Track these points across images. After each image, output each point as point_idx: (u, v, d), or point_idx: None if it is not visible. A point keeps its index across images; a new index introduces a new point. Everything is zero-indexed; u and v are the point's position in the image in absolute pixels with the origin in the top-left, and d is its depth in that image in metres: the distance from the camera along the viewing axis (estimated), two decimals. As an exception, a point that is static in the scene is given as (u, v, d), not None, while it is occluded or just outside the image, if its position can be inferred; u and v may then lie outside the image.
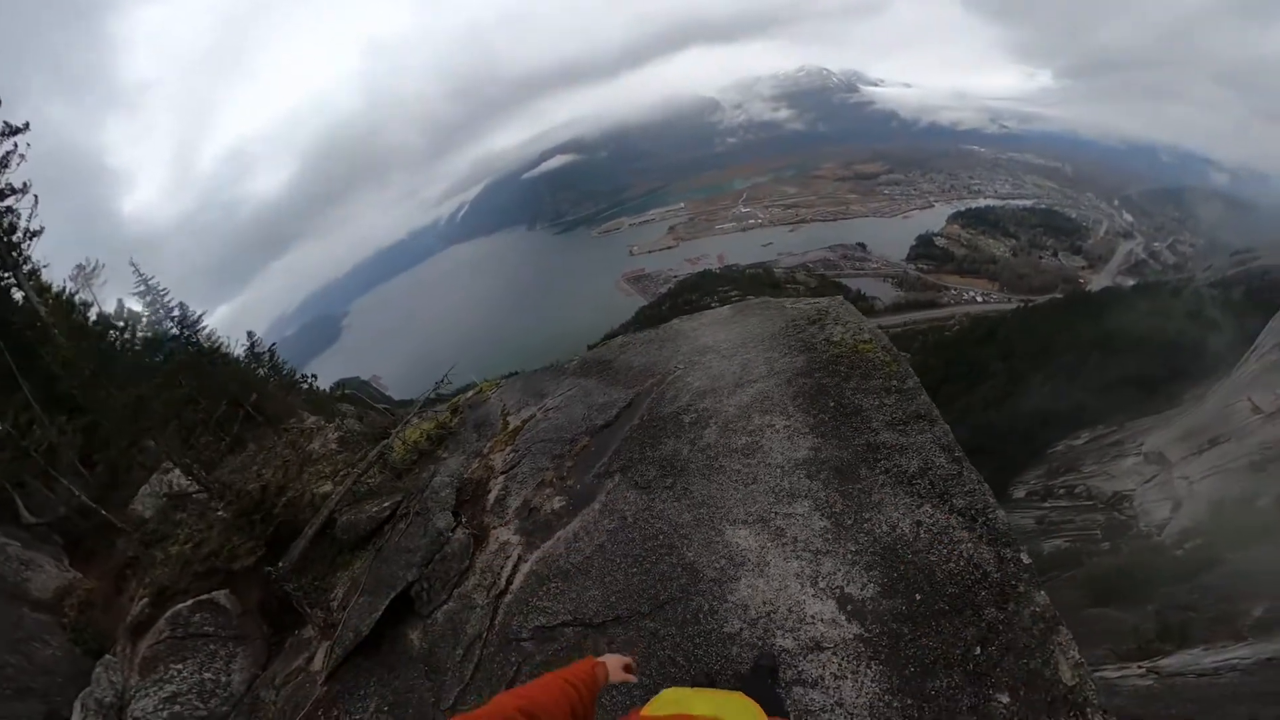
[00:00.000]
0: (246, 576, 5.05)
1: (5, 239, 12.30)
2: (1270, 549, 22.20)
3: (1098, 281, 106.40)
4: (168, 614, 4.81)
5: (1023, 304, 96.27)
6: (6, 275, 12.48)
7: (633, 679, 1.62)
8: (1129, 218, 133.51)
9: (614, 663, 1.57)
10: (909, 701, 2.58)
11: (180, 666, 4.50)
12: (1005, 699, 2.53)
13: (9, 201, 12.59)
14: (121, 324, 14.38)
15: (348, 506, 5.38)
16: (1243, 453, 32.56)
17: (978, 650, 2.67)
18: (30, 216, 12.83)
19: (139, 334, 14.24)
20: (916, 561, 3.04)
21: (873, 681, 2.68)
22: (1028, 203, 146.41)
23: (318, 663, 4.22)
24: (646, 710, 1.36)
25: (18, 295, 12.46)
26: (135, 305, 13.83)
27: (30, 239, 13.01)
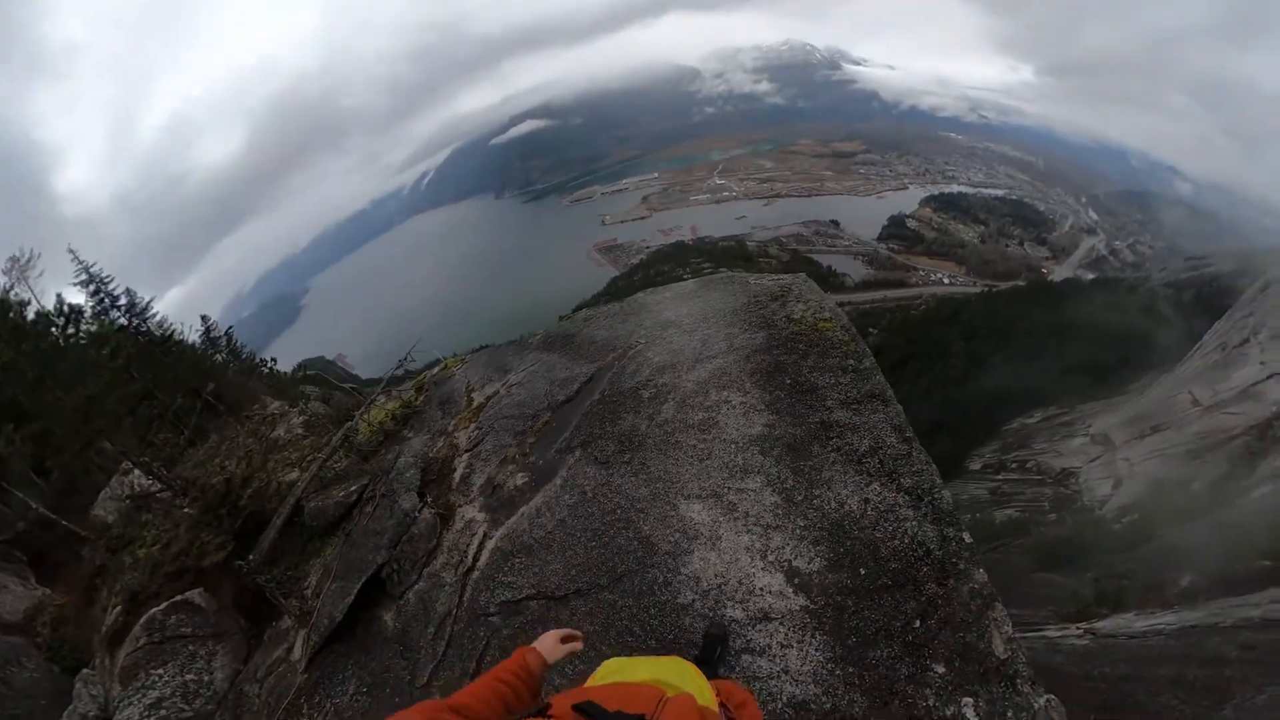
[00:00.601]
0: (218, 573, 4.98)
1: None
2: (1199, 528, 23.76)
3: (1059, 272, 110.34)
4: (143, 620, 4.71)
5: (987, 288, 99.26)
6: None
7: (576, 648, 1.56)
8: (1094, 215, 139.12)
9: (549, 640, 1.53)
10: (850, 670, 2.71)
11: (161, 671, 4.44)
12: (941, 669, 2.66)
13: None
14: (63, 320, 13.42)
15: (315, 493, 5.32)
16: (1181, 440, 34.89)
17: (917, 623, 2.80)
18: None
19: (84, 328, 13.34)
20: (862, 538, 3.16)
21: (817, 650, 2.80)
22: (999, 192, 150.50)
23: (297, 652, 4.23)
24: (590, 682, 1.37)
25: None
26: (77, 297, 12.58)
27: None
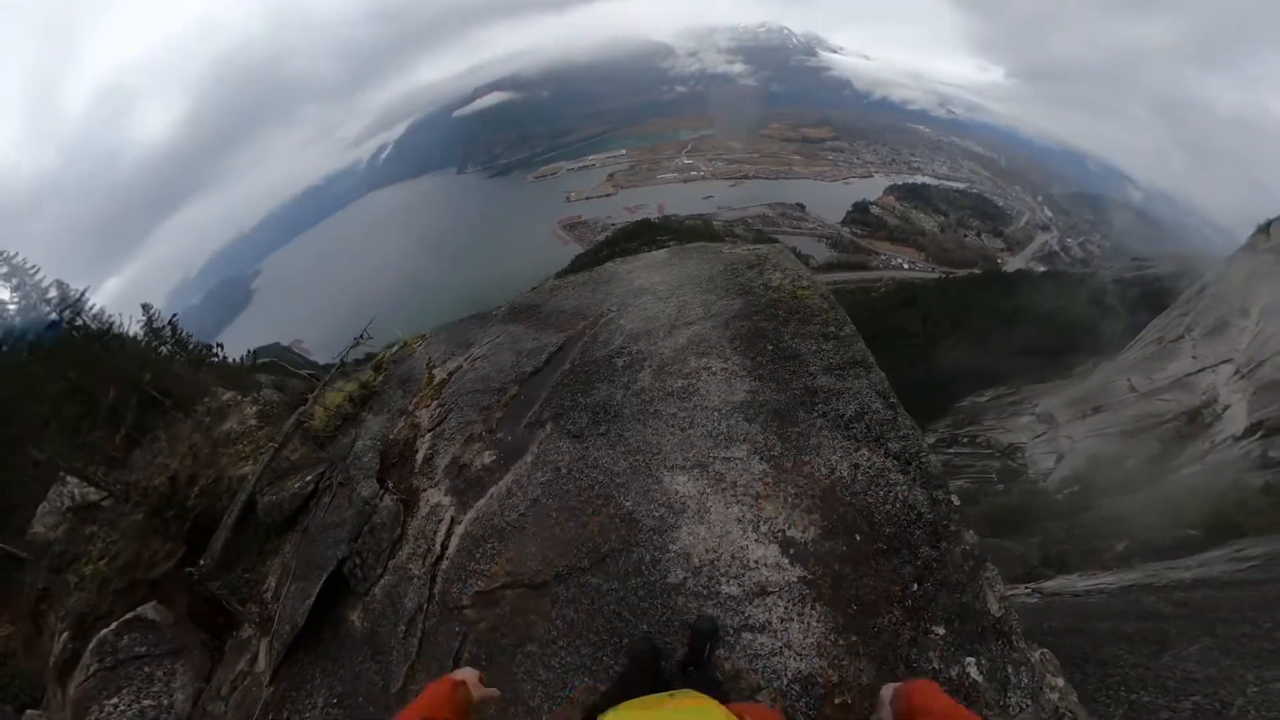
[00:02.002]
0: (172, 582, 4.58)
1: None
2: (1133, 501, 25.61)
3: (1013, 264, 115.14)
4: (92, 644, 4.28)
5: (944, 275, 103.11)
6: None
7: (494, 693, 1.51)
8: (1049, 213, 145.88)
9: (471, 678, 1.45)
10: (854, 638, 2.65)
11: (116, 700, 4.01)
12: (941, 631, 2.65)
13: None
14: None
15: (268, 486, 4.97)
16: (1118, 422, 37.46)
17: (915, 587, 2.77)
18: None
19: (8, 324, 12.06)
20: (855, 503, 3.09)
21: (818, 622, 2.72)
22: (961, 185, 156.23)
23: (261, 663, 3.93)
24: None
25: None
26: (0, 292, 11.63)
27: None
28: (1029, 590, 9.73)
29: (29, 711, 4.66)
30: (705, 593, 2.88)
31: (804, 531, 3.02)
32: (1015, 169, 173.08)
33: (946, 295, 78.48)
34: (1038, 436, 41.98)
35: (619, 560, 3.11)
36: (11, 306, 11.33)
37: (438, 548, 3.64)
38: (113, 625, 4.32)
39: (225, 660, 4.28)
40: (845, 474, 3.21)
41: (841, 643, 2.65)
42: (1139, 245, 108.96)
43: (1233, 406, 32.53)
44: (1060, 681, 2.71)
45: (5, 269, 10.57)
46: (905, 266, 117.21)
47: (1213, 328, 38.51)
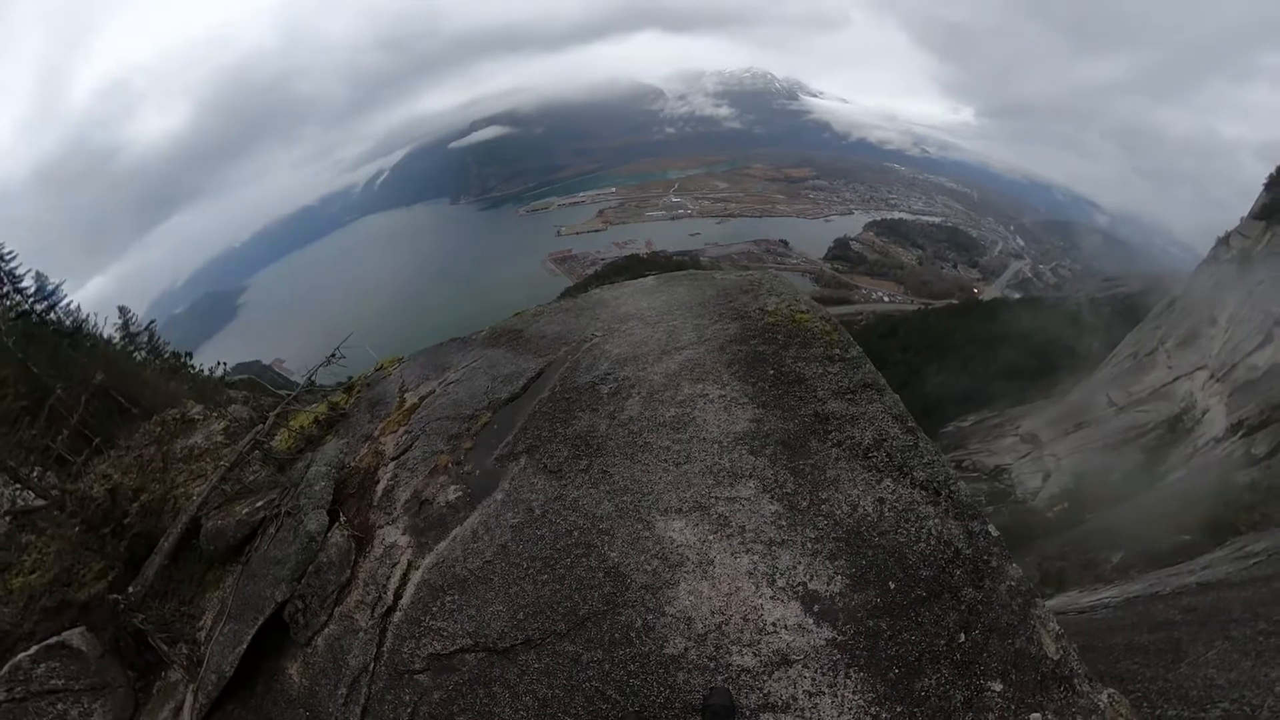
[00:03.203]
0: (102, 607, 4.13)
1: None
2: (1123, 512, 25.90)
3: (989, 292, 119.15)
4: (4, 669, 3.81)
5: (923, 306, 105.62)
6: None
7: None
8: (1021, 242, 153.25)
9: None
10: (899, 709, 2.22)
11: None
12: (998, 686, 2.30)
13: None
14: None
15: (215, 509, 4.50)
16: (1100, 436, 38.23)
17: (962, 637, 2.41)
18: None
19: None
20: (885, 544, 2.69)
21: (854, 693, 2.28)
22: (936, 219, 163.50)
23: (186, 713, 3.51)
24: None
25: None
26: None
27: None
28: None
29: None
30: (713, 665, 2.38)
31: (829, 583, 2.57)
32: (987, 202, 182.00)
33: (926, 326, 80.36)
34: (1023, 457, 42.51)
35: (603, 624, 2.62)
36: None
37: (390, 596, 3.22)
38: (32, 650, 3.87)
39: (149, 705, 3.79)
40: (870, 510, 2.81)
41: (884, 715, 2.23)
42: (1108, 266, 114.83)
43: (1211, 410, 33.45)
44: None
45: None
46: (885, 300, 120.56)
47: (1185, 338, 39.69)
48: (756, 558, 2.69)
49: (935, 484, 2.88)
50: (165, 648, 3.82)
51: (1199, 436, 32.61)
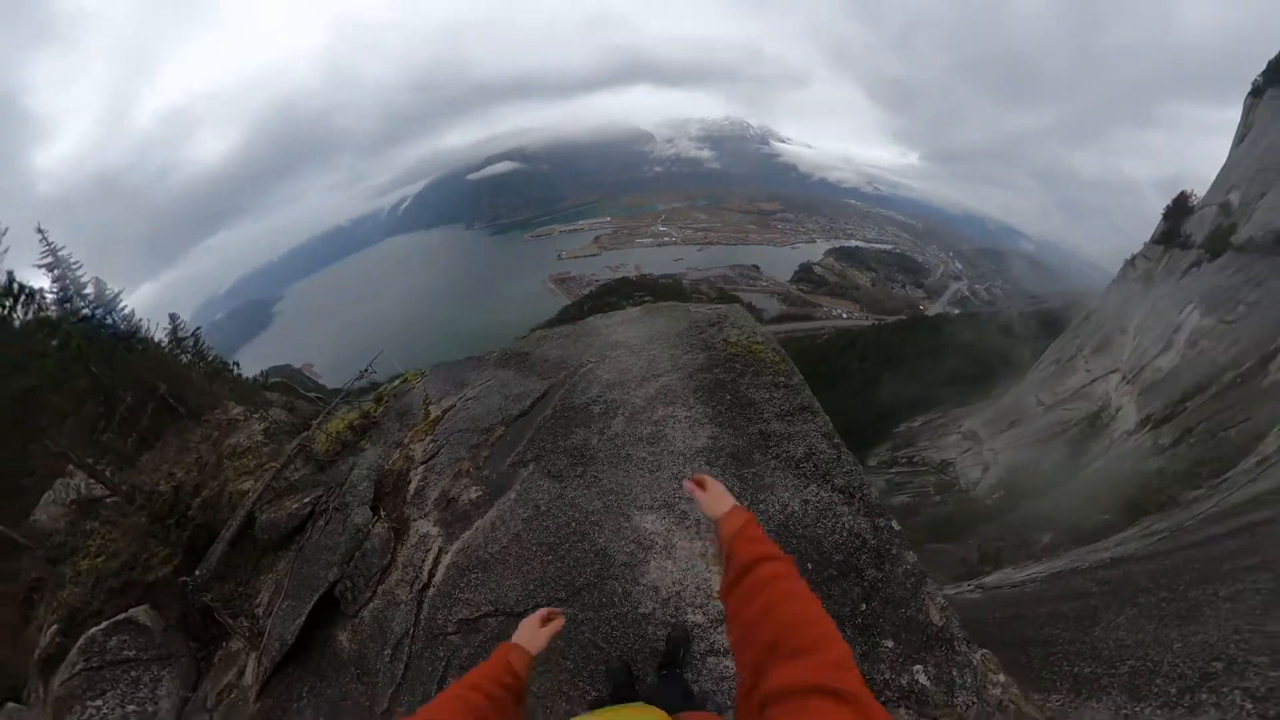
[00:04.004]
0: (165, 588, 4.18)
1: None
2: (1051, 497, 26.12)
3: (933, 309, 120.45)
4: (80, 641, 3.85)
5: (877, 321, 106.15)
6: None
7: (558, 626, 1.28)
8: (959, 265, 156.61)
9: (528, 628, 1.24)
10: None
11: (100, 703, 3.59)
12: (890, 644, 2.56)
13: None
14: (11, 300, 11.30)
15: (268, 504, 4.60)
16: (1030, 433, 38.52)
17: (863, 606, 2.68)
18: None
19: (40, 313, 11.23)
20: (807, 535, 3.00)
21: None
22: (887, 246, 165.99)
23: (249, 677, 3.57)
24: None
25: None
26: (41, 279, 10.62)
27: None
28: (972, 587, 9.56)
29: (10, 705, 4.14)
30: (674, 621, 2.74)
31: None
32: (930, 231, 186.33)
33: (880, 339, 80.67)
34: (965, 452, 42.74)
35: (594, 592, 2.95)
36: (49, 295, 10.77)
37: (425, 575, 3.41)
38: (103, 624, 3.90)
39: (213, 671, 3.88)
40: (797, 509, 3.13)
41: None
42: (1033, 286, 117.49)
43: (1124, 407, 33.69)
44: (1002, 677, 2.61)
45: (50, 259, 9.99)
46: (844, 316, 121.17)
47: (1099, 345, 40.25)
48: (706, 543, 3.02)
49: (851, 489, 3.19)
50: (230, 621, 3.92)
51: (1114, 430, 32.83)
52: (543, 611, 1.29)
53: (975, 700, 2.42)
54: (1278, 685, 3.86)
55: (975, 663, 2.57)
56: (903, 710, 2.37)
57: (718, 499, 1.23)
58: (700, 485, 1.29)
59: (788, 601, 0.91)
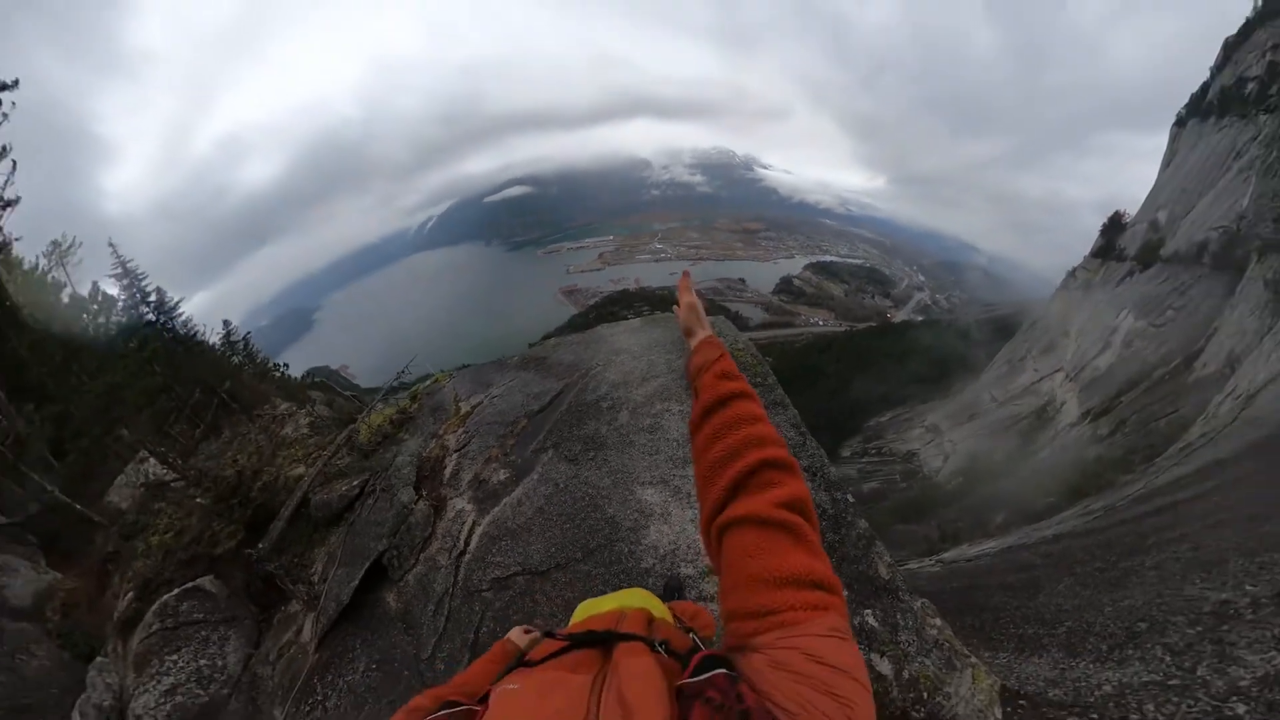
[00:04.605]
0: (229, 560, 4.27)
1: None
2: (1004, 483, 26.20)
3: (899, 316, 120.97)
4: (155, 606, 3.94)
5: (850, 328, 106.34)
6: None
7: (535, 637, 1.23)
8: (922, 277, 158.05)
9: (515, 631, 1.25)
10: None
11: (175, 658, 3.69)
12: (845, 593, 2.68)
13: None
14: (95, 307, 11.21)
15: (320, 487, 4.70)
16: (986, 425, 38.83)
17: None
18: (5, 184, 9.70)
19: (113, 319, 11.24)
20: None
21: None
22: (859, 261, 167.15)
23: (306, 634, 3.66)
24: (567, 629, 1.25)
25: None
26: (111, 288, 10.76)
27: (3, 209, 9.83)
28: (934, 561, 9.55)
29: (99, 659, 4.20)
30: (669, 574, 2.90)
31: None
32: (896, 247, 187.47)
33: (852, 343, 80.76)
34: (928, 443, 43.00)
35: (604, 552, 3.10)
36: (119, 303, 10.89)
37: (462, 544, 3.53)
38: (174, 591, 3.97)
39: (273, 631, 3.97)
40: None
41: None
42: (987, 295, 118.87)
43: (1067, 402, 33.90)
44: (938, 621, 2.69)
45: (120, 270, 10.11)
46: (820, 324, 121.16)
47: (1045, 348, 40.53)
48: (696, 511, 3.07)
49: (814, 468, 3.34)
50: (290, 586, 3.96)
51: (1059, 423, 33.06)
52: (524, 627, 1.25)
53: (915, 638, 2.57)
54: (1194, 641, 3.98)
55: (916, 609, 2.72)
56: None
57: (695, 318, 1.06)
58: (685, 290, 1.12)
59: (753, 446, 0.78)
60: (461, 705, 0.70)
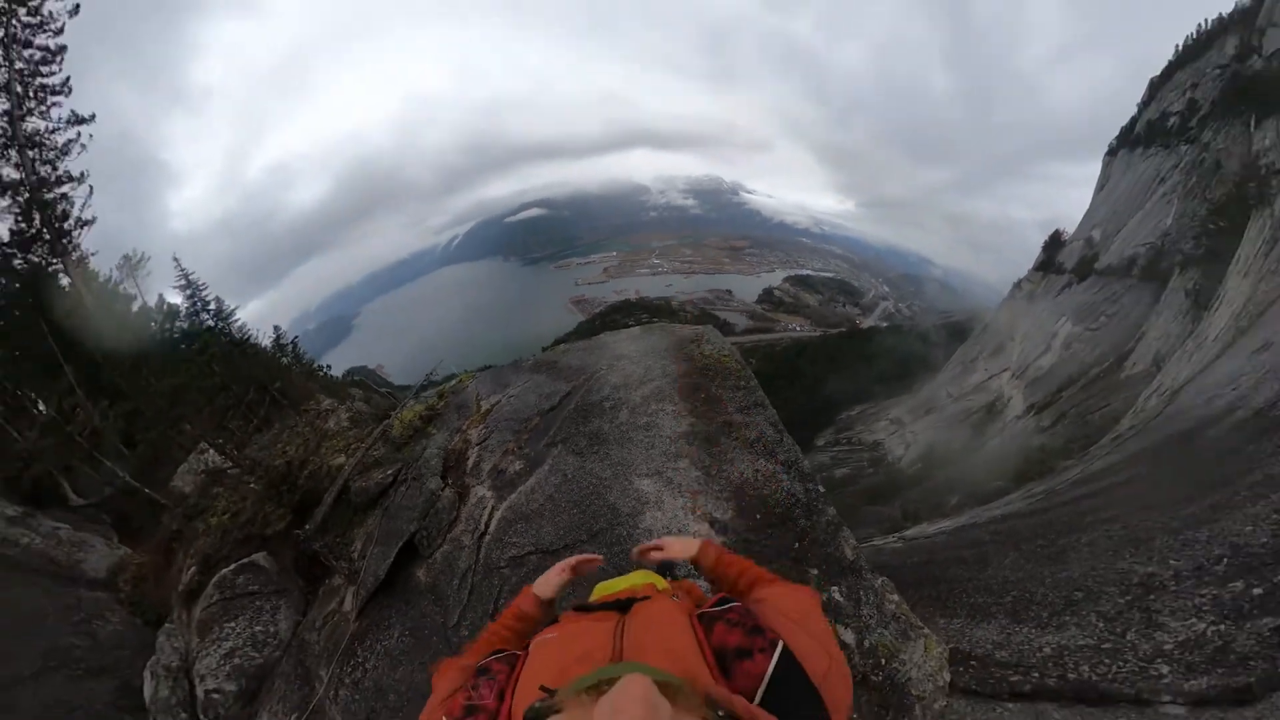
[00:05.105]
0: (279, 539, 4.26)
1: (57, 226, 9.44)
2: (957, 469, 26.17)
3: (867, 323, 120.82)
4: (215, 579, 3.95)
5: (823, 333, 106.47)
6: (55, 261, 9.57)
7: (568, 577, 1.12)
8: (887, 288, 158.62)
9: (548, 574, 1.11)
10: None
11: (233, 624, 3.71)
12: (815, 571, 2.68)
13: (65, 189, 9.65)
14: (161, 315, 11.37)
15: (358, 475, 4.66)
16: (942, 419, 38.93)
17: (796, 545, 2.79)
18: (83, 206, 9.85)
19: (177, 325, 11.38)
20: (757, 494, 3.11)
21: None
22: (831, 274, 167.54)
23: (347, 604, 3.65)
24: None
25: (64, 281, 9.55)
26: (175, 298, 11.00)
27: (81, 228, 9.90)
28: (896, 539, 9.49)
29: (166, 625, 4.18)
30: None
31: (724, 514, 3.05)
32: (864, 262, 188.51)
33: (825, 346, 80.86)
34: (892, 434, 42.96)
35: (606, 535, 3.09)
36: (182, 310, 11.05)
37: (483, 526, 3.52)
38: (232, 566, 3.97)
39: (318, 601, 3.96)
40: (750, 476, 3.24)
41: None
42: (943, 304, 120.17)
43: (1014, 398, 34.08)
44: (896, 596, 2.70)
45: (183, 281, 10.26)
46: (797, 330, 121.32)
47: (994, 350, 40.72)
48: (686, 499, 3.17)
49: (789, 462, 3.33)
50: (334, 563, 3.96)
51: (1007, 416, 33.20)
52: (573, 560, 1.14)
53: (875, 612, 2.58)
54: (1124, 609, 4.06)
55: (876, 586, 2.74)
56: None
57: (681, 543, 1.12)
58: (658, 548, 1.16)
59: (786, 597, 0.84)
60: (505, 651, 0.73)
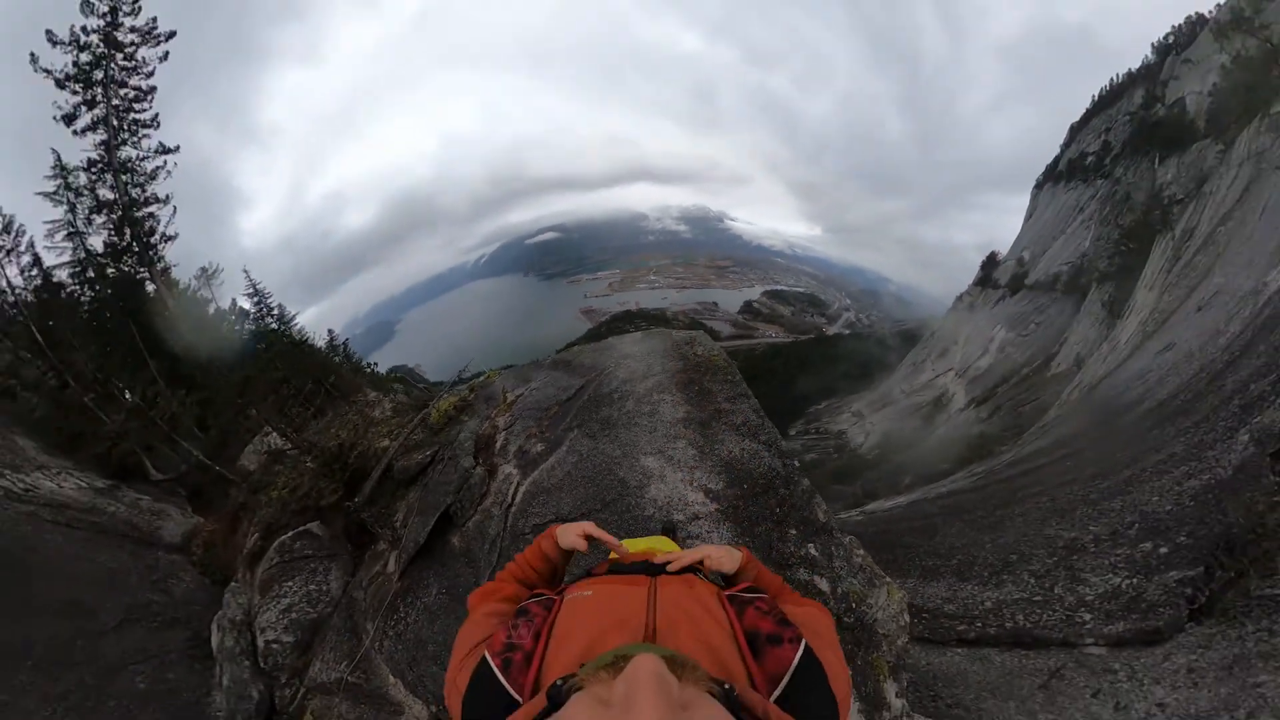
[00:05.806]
0: (331, 510, 4.25)
1: (145, 239, 9.72)
2: (911, 454, 26.34)
3: (832, 330, 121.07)
4: (275, 544, 3.94)
5: (795, 339, 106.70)
6: (143, 270, 9.87)
7: (582, 548, 0.91)
8: (849, 301, 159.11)
9: (576, 530, 0.93)
10: (747, 539, 2.68)
11: (291, 584, 3.70)
12: (794, 531, 2.70)
13: (152, 209, 10.00)
14: (233, 318, 11.61)
15: (401, 455, 4.64)
16: (897, 411, 38.95)
17: (778, 510, 2.82)
18: (168, 223, 10.17)
19: (246, 327, 11.57)
20: (744, 469, 3.13)
21: (728, 531, 2.74)
22: (802, 289, 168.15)
23: (391, 566, 3.64)
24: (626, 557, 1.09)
25: (150, 288, 9.79)
26: (245, 304, 11.25)
27: (165, 242, 10.21)
28: (858, 513, 9.60)
29: (232, 584, 4.16)
30: (665, 520, 2.90)
31: (717, 484, 3.06)
32: (830, 279, 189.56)
33: (797, 350, 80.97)
34: (854, 424, 42.86)
35: (617, 504, 3.09)
36: (250, 315, 11.27)
37: (509, 499, 3.50)
38: (289, 533, 3.96)
39: (365, 564, 3.94)
40: (738, 454, 3.26)
41: (740, 541, 2.69)
42: (897, 314, 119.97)
43: (957, 394, 34.30)
44: (861, 551, 2.73)
45: (251, 290, 10.47)
46: (773, 336, 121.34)
47: (941, 352, 40.92)
48: (685, 473, 3.18)
49: (770, 442, 3.35)
50: (379, 530, 3.96)
51: (952, 409, 33.33)
52: (596, 531, 0.92)
53: (845, 564, 2.61)
54: (1052, 568, 4.12)
55: (845, 543, 2.78)
56: (802, 570, 2.55)
57: (726, 555, 0.88)
58: (701, 559, 0.90)
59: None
60: (542, 596, 0.70)
